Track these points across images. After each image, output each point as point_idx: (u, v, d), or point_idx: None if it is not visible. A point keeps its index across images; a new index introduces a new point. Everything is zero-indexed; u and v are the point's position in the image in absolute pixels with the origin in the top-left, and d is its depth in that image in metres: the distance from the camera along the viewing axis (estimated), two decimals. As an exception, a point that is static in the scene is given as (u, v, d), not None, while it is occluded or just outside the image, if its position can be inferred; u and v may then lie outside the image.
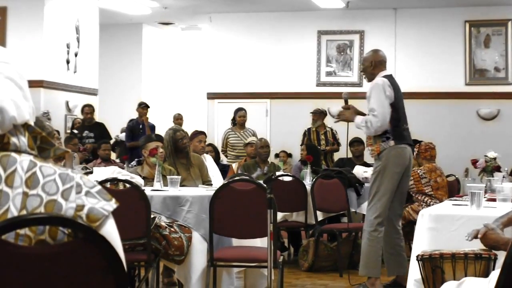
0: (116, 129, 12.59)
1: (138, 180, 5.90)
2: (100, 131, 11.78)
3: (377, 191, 6.46)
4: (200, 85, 15.58)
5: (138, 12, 13.91)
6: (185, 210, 5.70)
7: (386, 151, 6.40)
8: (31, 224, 1.60)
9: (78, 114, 12.35)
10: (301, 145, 11.39)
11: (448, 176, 9.12)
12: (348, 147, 10.01)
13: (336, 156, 11.35)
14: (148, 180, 6.60)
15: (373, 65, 6.55)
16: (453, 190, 8.83)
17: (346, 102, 6.70)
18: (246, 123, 11.67)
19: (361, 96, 7.39)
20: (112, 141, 11.88)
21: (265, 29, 14.03)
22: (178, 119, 13.48)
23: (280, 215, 8.00)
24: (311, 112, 11.76)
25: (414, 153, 8.57)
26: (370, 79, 6.61)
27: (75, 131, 11.77)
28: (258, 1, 13.19)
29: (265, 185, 5.60)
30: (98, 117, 12.32)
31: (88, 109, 11.92)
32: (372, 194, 6.50)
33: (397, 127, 6.46)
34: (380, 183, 6.44)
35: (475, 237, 3.59)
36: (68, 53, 12.36)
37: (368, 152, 6.59)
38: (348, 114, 6.64)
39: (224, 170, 9.44)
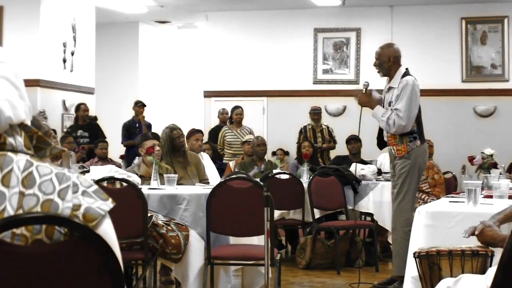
0: (112, 128, 12.58)
1: (135, 179, 5.90)
2: (94, 130, 11.76)
3: (407, 190, 6.44)
4: (197, 83, 15.56)
5: (135, 10, 13.91)
6: (182, 208, 5.70)
7: (413, 151, 6.41)
8: (27, 223, 1.60)
9: (74, 112, 12.33)
10: (297, 142, 11.40)
11: (445, 173, 9.13)
12: (346, 145, 10.04)
13: (333, 153, 11.36)
14: (145, 178, 6.60)
15: (392, 60, 6.52)
16: (450, 187, 8.84)
17: (365, 90, 6.66)
18: (243, 121, 11.68)
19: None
20: None
21: (261, 27, 14.02)
22: (223, 114, 12.72)
23: (277, 213, 8.00)
24: (312, 112, 11.75)
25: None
26: (385, 74, 6.60)
27: (69, 130, 11.75)
28: (255, -1, 13.19)
29: (262, 183, 5.61)
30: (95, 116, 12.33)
31: (85, 107, 11.90)
32: (402, 193, 6.44)
33: (420, 126, 6.53)
34: (410, 182, 6.44)
35: (472, 234, 3.60)
36: (64, 52, 12.34)
37: (392, 151, 6.52)
38: (366, 99, 6.60)
39: (221, 168, 9.44)
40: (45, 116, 11.25)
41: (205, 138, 10.76)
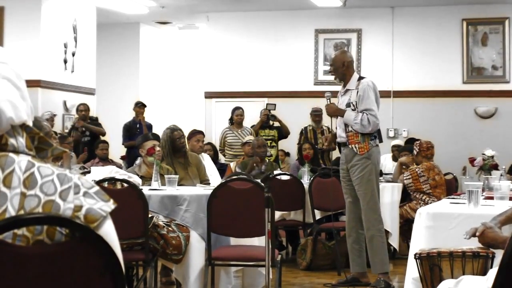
0: (113, 129, 12.58)
1: (136, 180, 5.90)
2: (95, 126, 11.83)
3: (373, 189, 6.72)
4: (198, 84, 15.57)
5: (136, 11, 13.91)
6: (183, 209, 5.70)
7: (372, 150, 6.72)
8: (29, 224, 1.60)
9: (75, 114, 12.35)
10: (297, 144, 11.40)
11: (446, 174, 9.13)
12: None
13: (333, 154, 11.34)
14: (146, 179, 6.60)
15: (346, 65, 6.82)
16: (451, 188, 8.83)
17: (329, 101, 6.95)
18: (244, 122, 11.66)
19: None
20: None
21: (262, 28, 14.02)
22: (265, 114, 11.92)
23: (278, 214, 8.00)
24: (313, 113, 11.74)
25: (414, 152, 8.62)
26: (341, 79, 6.89)
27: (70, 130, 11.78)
28: (256, 0, 13.19)
29: (262, 184, 5.61)
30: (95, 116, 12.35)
31: (82, 107, 11.92)
32: (369, 193, 6.69)
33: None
34: (374, 182, 6.72)
35: (473, 235, 3.60)
36: (65, 53, 12.35)
37: (353, 150, 6.71)
38: (334, 108, 6.88)
39: (222, 169, 9.44)
40: (52, 119, 11.28)
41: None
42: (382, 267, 6.73)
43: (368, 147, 6.66)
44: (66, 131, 12.00)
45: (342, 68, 6.80)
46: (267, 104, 12.06)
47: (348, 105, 6.73)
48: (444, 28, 13.31)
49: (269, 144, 10.58)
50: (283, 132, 11.63)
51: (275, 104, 11.91)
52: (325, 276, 7.55)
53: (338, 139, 6.89)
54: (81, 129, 11.66)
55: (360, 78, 6.83)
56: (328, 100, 6.93)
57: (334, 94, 7.15)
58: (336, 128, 6.96)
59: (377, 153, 6.77)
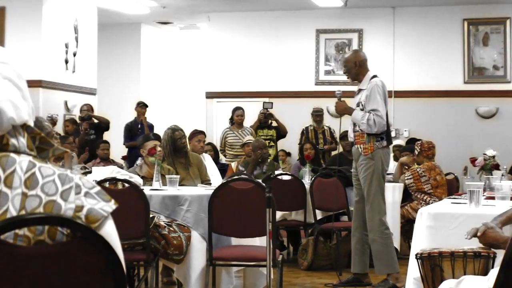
0: (114, 129, 12.58)
1: (137, 180, 5.90)
2: (100, 126, 11.85)
3: (376, 190, 6.67)
4: (199, 84, 15.57)
5: (137, 11, 13.91)
6: (184, 209, 5.70)
7: (378, 151, 6.66)
8: (30, 224, 1.60)
9: (76, 114, 12.35)
10: (299, 144, 11.40)
11: (447, 174, 9.13)
12: (339, 141, 10.01)
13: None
14: (147, 179, 6.60)
15: (358, 65, 6.80)
16: (452, 188, 8.84)
17: (339, 99, 6.93)
18: (244, 122, 11.66)
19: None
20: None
21: (263, 28, 14.03)
22: (262, 113, 11.69)
23: (279, 214, 8.00)
24: (314, 113, 11.74)
25: (415, 152, 8.63)
26: (355, 79, 6.88)
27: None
28: (257, 0, 13.18)
29: (264, 184, 5.61)
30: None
31: (86, 107, 11.95)
32: (371, 194, 6.66)
33: (387, 128, 6.77)
34: (377, 183, 6.68)
35: (474, 235, 3.60)
36: (66, 53, 12.36)
37: (359, 150, 6.71)
38: (344, 106, 6.88)
39: (223, 169, 9.44)
40: (54, 121, 11.28)
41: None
42: (386, 269, 6.73)
43: (373, 148, 6.63)
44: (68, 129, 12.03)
45: (355, 68, 6.78)
46: (264, 103, 12.08)
47: (358, 104, 6.72)
48: (445, 28, 13.31)
49: (267, 144, 10.57)
50: (281, 131, 11.63)
51: (272, 103, 11.94)
52: (326, 276, 7.55)
53: (349, 139, 6.91)
54: (86, 123, 11.67)
55: (374, 77, 6.78)
56: (339, 98, 6.90)
57: (344, 93, 7.12)
58: (349, 126, 6.93)
59: (383, 155, 6.70)
